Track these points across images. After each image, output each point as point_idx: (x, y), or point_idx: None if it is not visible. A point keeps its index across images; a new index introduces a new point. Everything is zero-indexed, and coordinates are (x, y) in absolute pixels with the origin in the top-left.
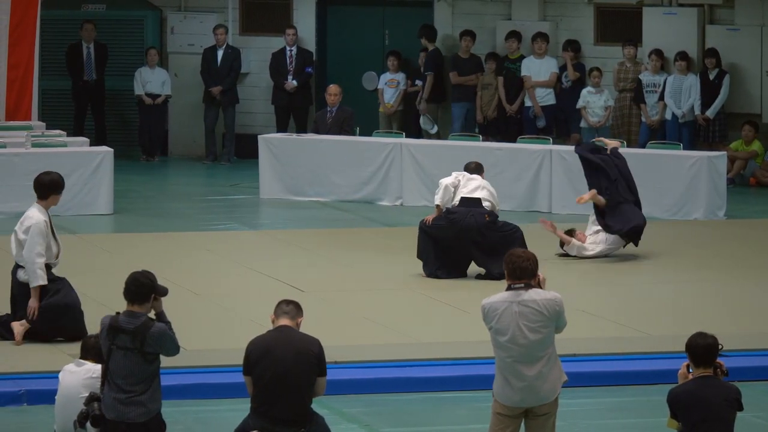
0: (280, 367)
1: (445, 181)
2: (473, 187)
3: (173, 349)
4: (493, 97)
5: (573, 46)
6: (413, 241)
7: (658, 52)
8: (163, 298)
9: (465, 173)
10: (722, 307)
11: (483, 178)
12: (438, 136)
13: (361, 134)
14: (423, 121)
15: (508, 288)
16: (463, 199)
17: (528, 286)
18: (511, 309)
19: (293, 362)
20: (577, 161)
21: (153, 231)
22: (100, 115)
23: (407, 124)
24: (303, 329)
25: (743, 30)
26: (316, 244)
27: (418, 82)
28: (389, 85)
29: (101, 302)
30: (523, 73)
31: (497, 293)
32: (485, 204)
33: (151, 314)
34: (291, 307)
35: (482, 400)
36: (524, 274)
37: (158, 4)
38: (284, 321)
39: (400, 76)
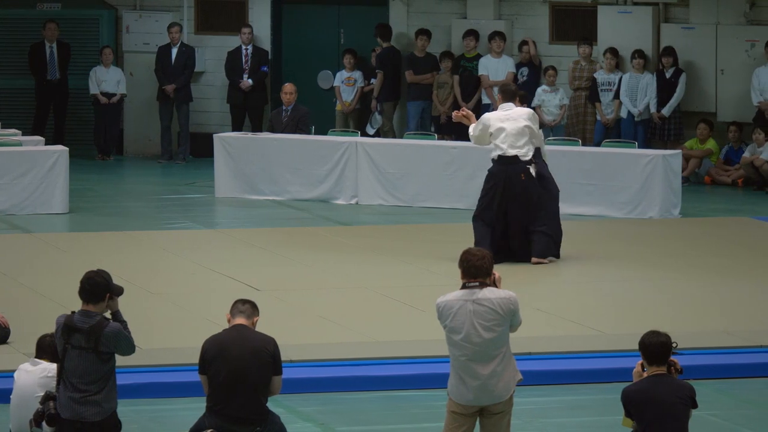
0: (235, 365)
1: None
2: (508, 133)
3: (128, 348)
4: (449, 95)
5: (527, 42)
6: (369, 239)
7: (613, 51)
8: (119, 298)
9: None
10: (677, 306)
11: (517, 104)
12: (387, 134)
13: (316, 133)
14: (371, 119)
15: (463, 286)
16: (500, 157)
17: (483, 285)
18: (466, 307)
19: (248, 361)
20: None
21: (108, 230)
22: (62, 114)
23: (364, 122)
24: (258, 328)
25: (698, 28)
26: (271, 243)
27: (373, 81)
28: (346, 84)
29: (57, 301)
30: (480, 72)
31: (452, 291)
32: (522, 156)
33: (108, 314)
34: (247, 306)
35: (437, 398)
36: (479, 272)
37: (113, 3)
38: (240, 320)
39: (357, 75)
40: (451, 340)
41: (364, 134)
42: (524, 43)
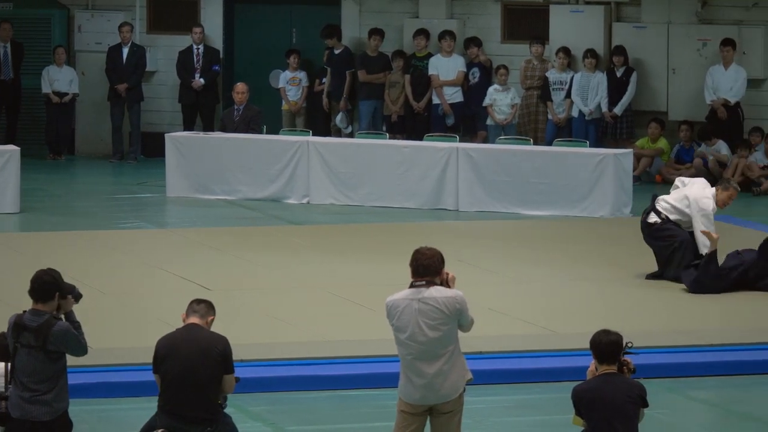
0: (184, 365)
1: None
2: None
3: (78, 348)
4: (400, 95)
5: (475, 42)
6: (321, 239)
7: (565, 50)
8: (77, 301)
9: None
10: (628, 304)
11: (715, 189)
12: (339, 133)
13: (268, 132)
14: (339, 119)
15: (411, 285)
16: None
17: (430, 284)
18: (412, 306)
19: (198, 360)
20: (484, 159)
21: (60, 230)
22: (15, 114)
23: (312, 122)
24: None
25: (650, 27)
26: (223, 243)
27: (325, 81)
28: (291, 84)
29: (7, 301)
30: (430, 72)
31: (401, 290)
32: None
33: (62, 315)
34: (202, 306)
35: (387, 397)
36: (427, 271)
37: (66, 3)
38: (194, 319)
39: (302, 74)
40: (398, 339)
41: (316, 133)
42: (470, 44)
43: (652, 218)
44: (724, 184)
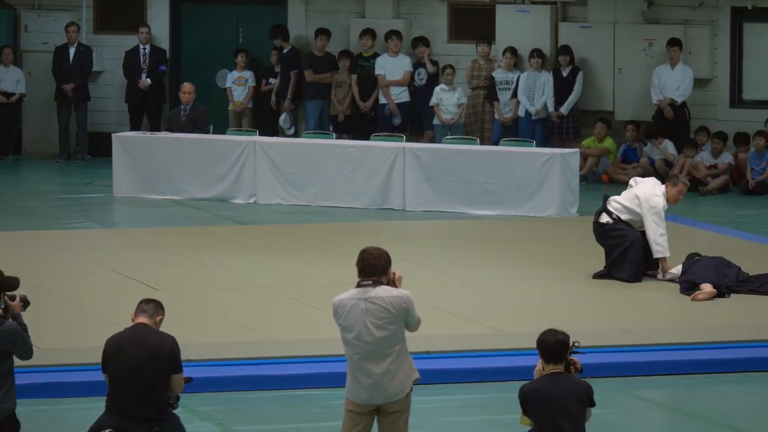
0: (131, 364)
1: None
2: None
3: (25, 350)
4: (347, 94)
5: (423, 41)
6: (268, 238)
7: (511, 50)
8: (22, 301)
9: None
10: (575, 304)
11: (665, 186)
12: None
13: (214, 132)
14: (283, 119)
15: (357, 285)
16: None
17: (377, 283)
18: (358, 306)
19: (146, 360)
20: (431, 158)
21: (6, 230)
22: None
23: (258, 122)
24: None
25: (596, 27)
26: (170, 243)
27: (272, 81)
28: (237, 83)
29: None
30: (377, 72)
31: (349, 290)
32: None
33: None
34: (150, 306)
35: (335, 397)
36: (373, 271)
37: (12, 3)
38: (142, 319)
39: (248, 74)
40: (344, 338)
41: (263, 133)
42: (417, 44)
43: (604, 218)
44: (673, 180)
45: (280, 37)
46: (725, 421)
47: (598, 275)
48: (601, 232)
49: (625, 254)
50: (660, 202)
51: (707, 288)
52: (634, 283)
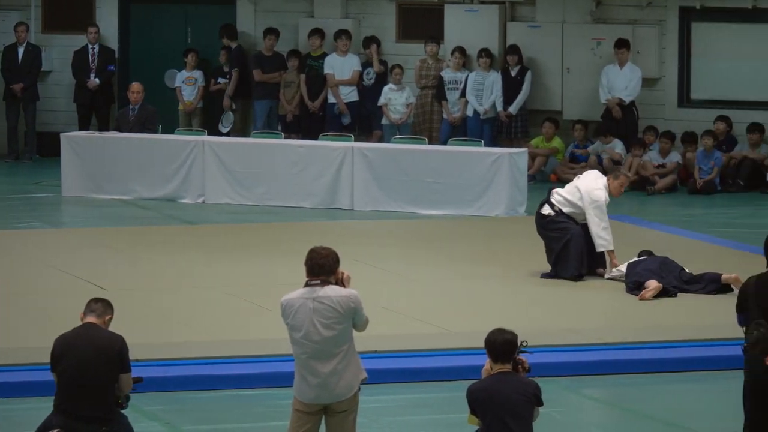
0: (82, 364)
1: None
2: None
3: None
4: (296, 94)
5: (374, 41)
6: (216, 238)
7: (460, 50)
8: None
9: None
10: (523, 303)
11: (606, 179)
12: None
13: (163, 132)
14: (223, 118)
15: (306, 284)
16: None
17: (325, 283)
18: (306, 305)
19: (94, 359)
20: (379, 158)
21: None
22: None
23: (208, 121)
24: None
25: (544, 27)
26: (118, 242)
27: (221, 80)
28: (187, 83)
29: None
30: (326, 71)
31: (296, 290)
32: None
33: None
34: (99, 305)
35: (283, 397)
36: (322, 270)
37: None
38: (91, 318)
39: (198, 74)
40: (292, 338)
41: (212, 132)
42: (369, 43)
43: (546, 210)
44: (614, 172)
45: (226, 35)
46: (672, 420)
47: (547, 275)
48: (543, 224)
49: (567, 250)
50: (602, 195)
51: (653, 284)
52: (580, 282)
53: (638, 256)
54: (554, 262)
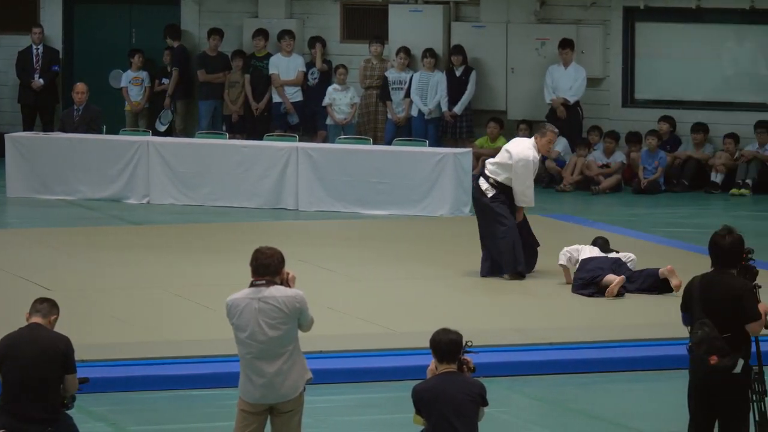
0: (24, 364)
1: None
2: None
3: None
4: (240, 94)
5: (319, 41)
6: (161, 238)
7: (404, 50)
8: None
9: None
10: (468, 303)
11: (533, 138)
12: (180, 133)
13: (108, 132)
14: (161, 116)
15: (251, 284)
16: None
17: (270, 283)
18: (252, 306)
19: (38, 360)
20: (324, 158)
21: None
22: None
23: (154, 122)
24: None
25: (489, 27)
26: (63, 243)
27: (165, 81)
28: (134, 83)
29: None
30: (270, 71)
31: (241, 290)
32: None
33: None
34: (44, 305)
35: (229, 397)
36: (267, 270)
37: None
38: (36, 319)
39: (144, 74)
40: (238, 338)
41: (156, 132)
42: (312, 44)
43: (483, 184)
44: (541, 130)
45: (169, 35)
46: (617, 420)
47: (486, 274)
48: (481, 207)
49: (498, 250)
50: (529, 153)
51: (613, 278)
52: (525, 282)
53: (592, 243)
54: (491, 260)
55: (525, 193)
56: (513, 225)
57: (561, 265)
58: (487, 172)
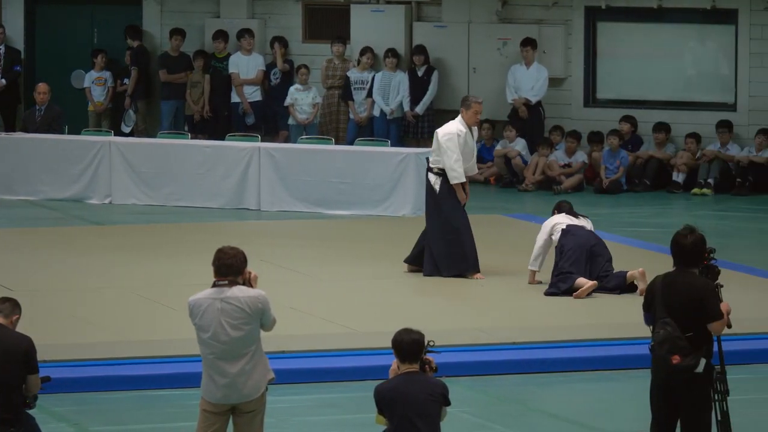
0: None
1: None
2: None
3: None
4: (201, 95)
5: (281, 41)
6: (123, 239)
7: (369, 50)
8: None
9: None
10: (430, 303)
11: (460, 114)
12: (141, 133)
13: (69, 133)
14: (125, 117)
15: (213, 285)
16: None
17: (233, 283)
18: (214, 306)
19: (1, 360)
20: (285, 158)
21: None
22: None
23: (118, 122)
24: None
25: (450, 27)
26: (25, 243)
27: (127, 81)
28: (97, 84)
29: None
30: (230, 70)
31: (203, 290)
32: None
33: None
34: (6, 305)
35: (191, 397)
36: (229, 271)
37: None
38: None
39: (107, 75)
40: (200, 338)
41: (119, 133)
42: (274, 43)
43: (432, 178)
44: (465, 103)
45: (129, 35)
46: (579, 420)
47: (413, 268)
48: (433, 203)
49: (439, 250)
50: (453, 128)
51: (584, 281)
52: (488, 281)
53: (557, 209)
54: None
55: (453, 168)
56: (462, 226)
57: (532, 270)
58: (430, 164)
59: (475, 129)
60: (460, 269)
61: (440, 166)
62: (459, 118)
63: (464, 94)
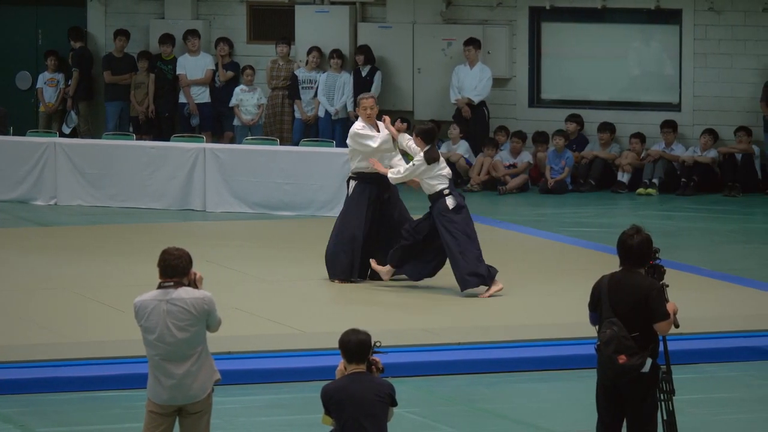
0: None
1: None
2: None
3: None
4: (146, 95)
5: (226, 43)
6: (69, 240)
7: (317, 49)
8: None
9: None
10: (376, 303)
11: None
12: (84, 134)
13: (15, 134)
14: (67, 119)
15: (159, 286)
16: None
17: (178, 285)
18: (160, 307)
19: None
20: (231, 159)
21: None
22: None
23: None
24: None
25: (395, 27)
26: None
27: (71, 82)
28: (49, 85)
29: None
30: (178, 71)
31: (149, 291)
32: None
33: None
34: None
35: (137, 398)
36: (175, 272)
37: None
38: None
39: (60, 76)
40: (146, 339)
41: (62, 134)
42: (219, 44)
43: (351, 183)
44: (356, 103)
45: (71, 37)
46: (525, 419)
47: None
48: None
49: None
50: (356, 126)
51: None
52: (434, 282)
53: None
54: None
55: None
56: (353, 235)
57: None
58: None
59: (381, 124)
60: (345, 275)
61: (353, 167)
62: (360, 119)
63: (409, 95)
